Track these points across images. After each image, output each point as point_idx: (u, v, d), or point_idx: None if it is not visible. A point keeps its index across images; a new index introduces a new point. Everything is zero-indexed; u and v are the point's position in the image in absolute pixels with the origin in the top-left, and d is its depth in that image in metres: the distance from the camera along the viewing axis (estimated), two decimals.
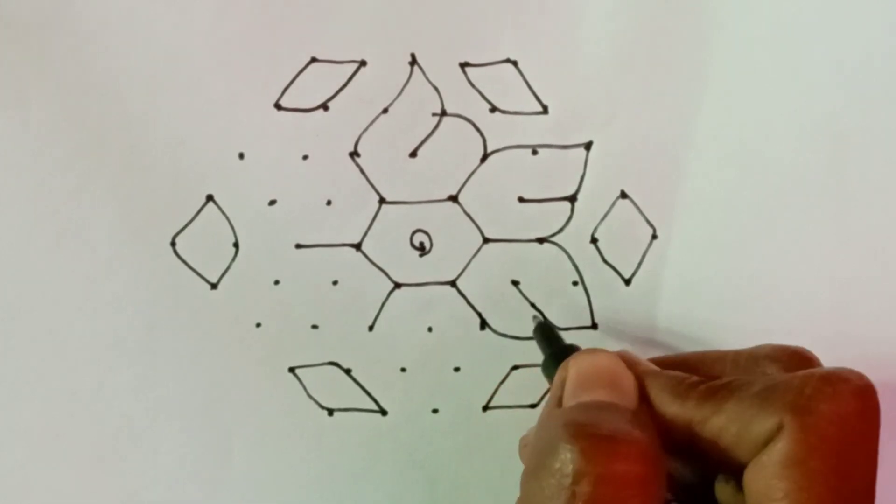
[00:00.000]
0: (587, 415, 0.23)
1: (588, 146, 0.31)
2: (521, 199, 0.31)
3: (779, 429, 0.21)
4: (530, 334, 0.31)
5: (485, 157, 0.30)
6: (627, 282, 0.31)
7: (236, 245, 0.30)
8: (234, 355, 0.31)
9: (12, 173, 0.29)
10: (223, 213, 0.30)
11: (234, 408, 0.31)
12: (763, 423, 0.21)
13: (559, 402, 0.24)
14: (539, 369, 0.31)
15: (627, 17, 0.30)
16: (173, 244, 0.30)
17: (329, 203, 0.30)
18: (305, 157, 0.30)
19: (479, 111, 0.30)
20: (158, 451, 0.30)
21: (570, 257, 0.31)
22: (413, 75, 0.30)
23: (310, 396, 0.31)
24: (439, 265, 0.31)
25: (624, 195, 0.31)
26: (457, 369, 0.31)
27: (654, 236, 0.31)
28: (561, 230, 0.31)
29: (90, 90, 0.29)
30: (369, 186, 0.30)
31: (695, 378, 0.24)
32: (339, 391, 0.31)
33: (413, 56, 0.30)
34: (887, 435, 0.32)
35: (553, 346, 0.29)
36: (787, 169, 0.31)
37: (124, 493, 0.30)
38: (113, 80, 0.29)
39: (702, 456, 0.23)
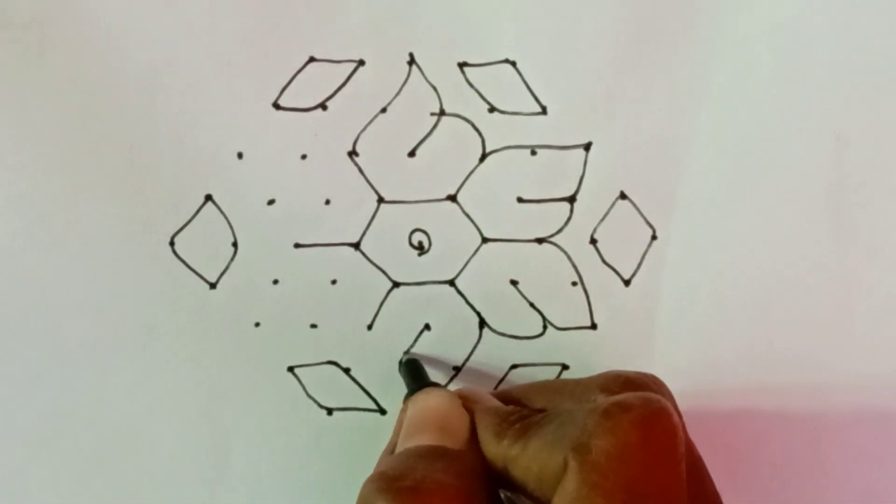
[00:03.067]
0: (402, 464, 0.23)
1: (587, 147, 0.30)
2: (520, 200, 0.31)
3: (566, 467, 0.21)
4: (530, 333, 0.31)
5: (483, 158, 0.30)
6: (627, 282, 0.31)
7: (235, 245, 0.30)
8: (232, 355, 0.31)
9: (12, 172, 0.29)
10: (222, 212, 0.30)
11: (232, 407, 0.31)
12: (554, 462, 0.21)
13: (393, 448, 0.25)
14: (538, 368, 0.32)
15: (626, 18, 0.30)
16: (172, 244, 0.30)
17: (328, 202, 0.30)
18: (304, 157, 0.30)
19: (478, 111, 0.30)
20: (157, 451, 0.31)
21: (569, 258, 0.31)
22: (411, 75, 0.30)
23: (309, 396, 0.31)
24: (438, 265, 0.31)
25: (623, 196, 0.31)
26: (456, 369, 0.31)
27: (654, 237, 0.31)
28: (560, 231, 0.31)
29: (89, 91, 0.29)
30: (368, 186, 0.30)
31: (518, 414, 0.24)
32: (338, 390, 0.31)
33: (411, 55, 0.30)
34: (888, 436, 0.32)
35: (415, 383, 0.29)
36: (786, 169, 0.31)
37: (123, 492, 0.31)
38: (112, 79, 0.29)
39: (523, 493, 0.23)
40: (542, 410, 0.24)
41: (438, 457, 0.23)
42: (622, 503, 0.20)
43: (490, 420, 0.24)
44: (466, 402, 0.25)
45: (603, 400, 0.22)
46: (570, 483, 0.20)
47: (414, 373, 0.30)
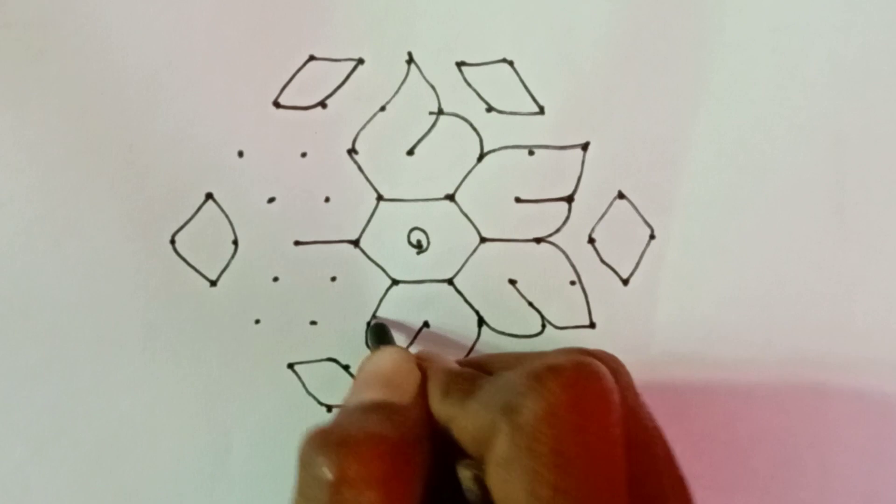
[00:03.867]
0: (340, 418, 0.23)
1: (585, 146, 0.30)
2: (517, 200, 0.31)
3: (497, 429, 0.21)
4: (529, 332, 0.31)
5: (481, 157, 0.30)
6: (625, 282, 0.31)
7: (235, 242, 0.30)
8: (233, 352, 0.31)
9: (12, 172, 0.29)
10: (222, 210, 0.30)
11: (232, 404, 0.31)
12: (487, 423, 0.21)
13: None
14: None
15: (624, 17, 0.30)
16: (173, 242, 0.30)
17: (327, 200, 0.30)
18: (304, 155, 0.30)
19: (476, 111, 0.30)
20: (157, 448, 0.31)
21: (567, 257, 0.31)
22: (410, 74, 0.30)
23: (309, 393, 0.31)
24: (437, 263, 0.31)
25: (621, 195, 0.31)
26: None
27: (652, 236, 0.31)
28: (558, 230, 0.31)
29: (90, 90, 0.29)
30: (367, 184, 0.30)
31: (468, 375, 0.24)
32: (337, 387, 0.31)
33: (410, 55, 0.30)
34: (888, 436, 0.32)
35: (378, 345, 0.29)
36: (784, 168, 0.31)
37: (123, 490, 0.31)
38: (112, 79, 0.29)
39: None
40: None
41: (378, 410, 0.23)
42: (552, 466, 0.20)
43: (440, 378, 0.24)
44: (422, 361, 0.25)
45: (538, 362, 0.21)
46: (501, 445, 0.20)
47: (379, 337, 0.30)
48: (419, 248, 0.31)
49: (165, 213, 0.30)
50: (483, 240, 0.31)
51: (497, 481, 0.21)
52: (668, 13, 0.30)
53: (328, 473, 0.21)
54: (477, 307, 0.31)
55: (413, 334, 0.31)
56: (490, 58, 0.30)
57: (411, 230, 0.31)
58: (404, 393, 0.24)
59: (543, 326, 0.31)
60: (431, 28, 0.30)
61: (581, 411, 0.20)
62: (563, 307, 0.31)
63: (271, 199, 0.30)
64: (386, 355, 0.25)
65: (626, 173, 0.31)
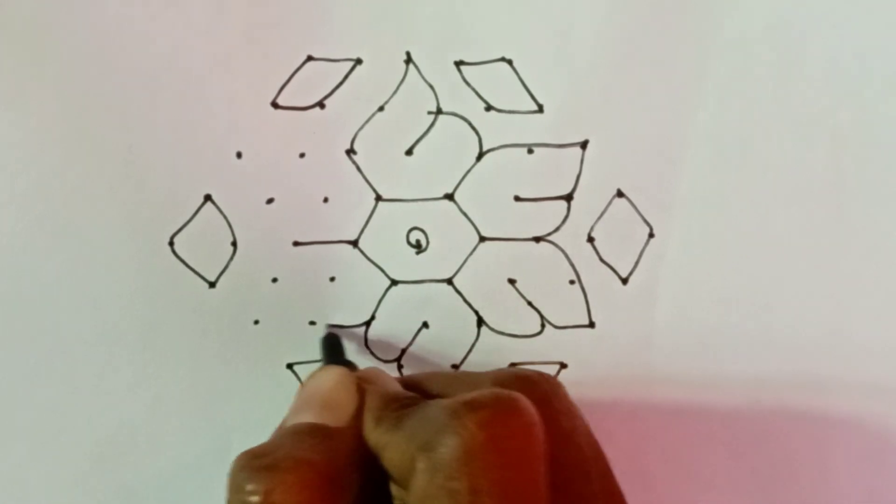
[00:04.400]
0: (272, 441, 0.23)
1: (584, 145, 0.30)
2: (517, 198, 0.31)
3: (415, 465, 0.20)
4: (528, 332, 0.31)
5: (480, 156, 0.30)
6: (625, 280, 0.31)
7: (234, 243, 0.30)
8: (232, 352, 0.31)
9: (10, 173, 0.29)
10: (221, 211, 0.30)
11: (232, 405, 0.31)
12: (408, 459, 0.21)
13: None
14: (536, 367, 0.31)
15: (623, 16, 0.30)
16: (171, 244, 0.30)
17: (326, 200, 0.30)
18: (302, 155, 0.30)
19: (475, 110, 0.30)
20: (157, 449, 0.31)
21: (566, 256, 0.31)
22: (408, 73, 0.30)
23: None
24: (436, 263, 0.31)
25: (620, 194, 0.31)
26: (454, 367, 0.31)
27: (651, 235, 0.31)
28: (557, 229, 0.31)
29: (88, 91, 0.29)
30: (366, 184, 0.30)
31: (401, 402, 0.23)
32: None
33: (408, 54, 0.30)
34: (888, 436, 0.32)
35: (328, 359, 0.29)
36: (784, 167, 0.31)
37: (123, 490, 0.31)
38: (111, 80, 0.29)
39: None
40: (436, 398, 0.23)
41: (312, 434, 0.23)
42: None
43: (375, 404, 0.24)
44: (363, 383, 0.25)
45: (457, 398, 0.21)
46: (419, 482, 0.20)
47: (330, 349, 0.29)
48: (418, 247, 0.31)
49: (164, 215, 0.30)
50: (482, 239, 0.31)
51: None
52: (667, 11, 0.30)
53: (255, 500, 0.21)
54: (476, 307, 0.31)
55: (412, 335, 0.31)
56: (488, 57, 0.30)
57: (410, 230, 0.31)
58: (341, 416, 0.24)
59: (543, 326, 0.31)
60: (429, 27, 0.30)
61: (498, 449, 0.20)
62: (563, 306, 0.31)
63: (270, 200, 0.30)
64: (326, 375, 0.25)
65: (625, 171, 0.31)
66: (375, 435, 0.23)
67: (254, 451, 0.22)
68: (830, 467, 0.32)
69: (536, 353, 0.31)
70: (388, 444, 0.22)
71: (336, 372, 0.25)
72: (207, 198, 0.30)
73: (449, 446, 0.20)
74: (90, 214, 0.29)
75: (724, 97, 0.30)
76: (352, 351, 0.31)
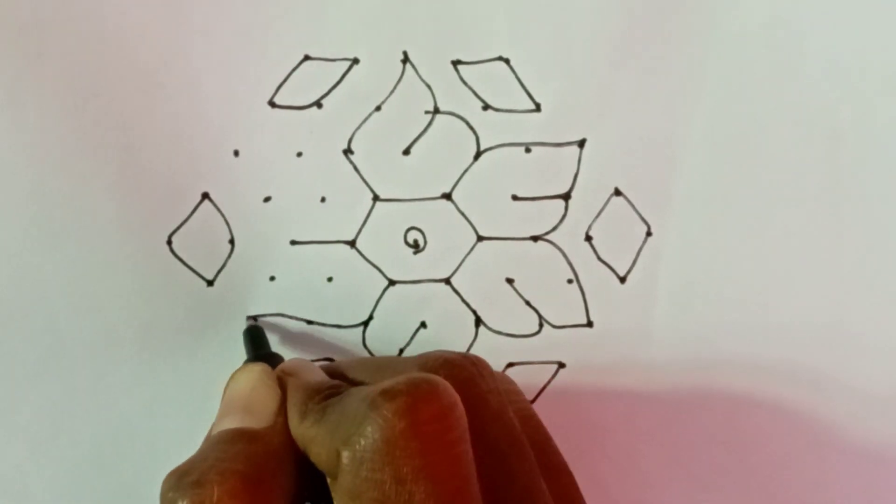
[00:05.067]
0: (197, 455, 0.23)
1: (581, 144, 0.30)
2: (514, 198, 0.31)
3: (339, 459, 0.20)
4: (526, 332, 0.31)
5: (478, 155, 0.30)
6: (623, 279, 0.31)
7: (232, 242, 0.30)
8: (230, 351, 0.31)
9: (8, 172, 0.29)
10: (219, 210, 0.30)
11: None
12: (333, 453, 0.21)
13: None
14: (534, 366, 0.31)
15: (620, 14, 0.30)
16: (169, 242, 0.30)
17: (323, 200, 0.30)
18: (300, 155, 0.30)
19: (472, 109, 0.30)
20: (156, 449, 0.31)
21: (564, 255, 0.31)
22: (405, 73, 0.30)
23: None
24: (433, 263, 0.31)
25: (618, 192, 0.31)
26: None
27: (649, 233, 0.31)
28: (555, 228, 0.31)
29: (86, 90, 0.29)
30: (363, 183, 0.30)
31: (325, 392, 0.23)
32: None
33: (405, 54, 0.30)
34: (888, 436, 0.32)
35: (252, 353, 0.28)
36: (782, 165, 0.31)
37: (122, 490, 0.31)
38: (108, 79, 0.29)
39: None
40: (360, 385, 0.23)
41: (236, 440, 0.22)
42: (395, 495, 0.19)
43: (298, 398, 0.23)
44: (284, 376, 0.25)
45: (374, 386, 0.21)
46: (344, 476, 0.20)
47: (252, 342, 0.29)
48: (416, 247, 0.31)
49: (162, 214, 0.30)
50: (480, 238, 0.31)
51: None
52: (664, 10, 0.30)
53: None
54: (474, 307, 0.31)
55: (410, 335, 0.31)
56: (485, 56, 0.30)
57: (408, 230, 0.31)
58: (264, 416, 0.23)
59: (541, 325, 0.31)
60: (426, 27, 0.30)
61: (418, 435, 0.20)
62: (561, 306, 0.31)
63: (267, 199, 0.30)
64: (244, 376, 0.25)
65: (623, 170, 0.31)
66: (301, 430, 0.22)
67: (180, 468, 0.22)
68: (829, 467, 0.32)
69: (535, 353, 0.31)
70: (314, 438, 0.22)
71: (254, 370, 0.25)
72: (205, 196, 0.30)
73: (369, 438, 0.20)
74: (88, 214, 0.29)
75: (722, 95, 0.30)
76: (352, 351, 0.31)
